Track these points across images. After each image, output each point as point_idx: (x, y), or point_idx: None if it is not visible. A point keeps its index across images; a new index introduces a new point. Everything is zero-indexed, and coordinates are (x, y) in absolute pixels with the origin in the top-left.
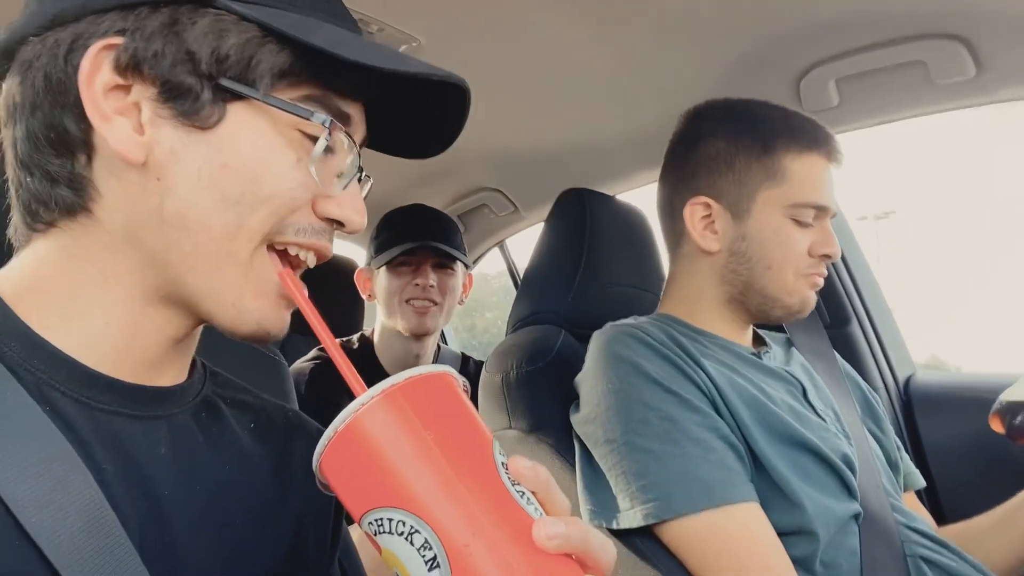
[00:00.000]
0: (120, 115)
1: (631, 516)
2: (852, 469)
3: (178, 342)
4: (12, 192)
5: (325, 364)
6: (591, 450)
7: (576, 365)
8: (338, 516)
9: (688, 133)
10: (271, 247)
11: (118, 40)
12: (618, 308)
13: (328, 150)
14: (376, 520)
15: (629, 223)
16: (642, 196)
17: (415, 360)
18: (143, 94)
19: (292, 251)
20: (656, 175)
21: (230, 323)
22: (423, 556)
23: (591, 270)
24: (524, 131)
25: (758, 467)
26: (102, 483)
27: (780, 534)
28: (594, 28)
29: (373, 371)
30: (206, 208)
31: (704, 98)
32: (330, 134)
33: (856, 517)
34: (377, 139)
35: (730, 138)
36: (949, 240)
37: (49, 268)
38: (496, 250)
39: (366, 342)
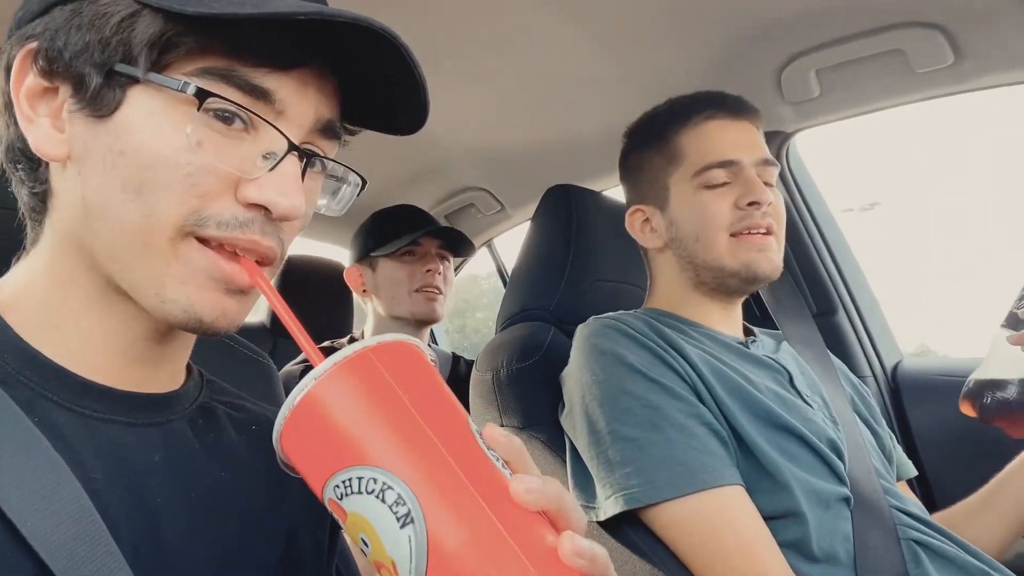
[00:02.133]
0: (48, 116)
1: (615, 502)
2: (839, 454)
3: (158, 341)
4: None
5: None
6: (575, 443)
7: (565, 361)
8: (335, 523)
9: (620, 159)
10: (201, 240)
11: (34, 44)
12: (606, 303)
13: (235, 124)
14: (344, 481)
15: (616, 219)
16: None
17: None
18: (65, 93)
19: (225, 246)
20: None
21: (155, 311)
22: (395, 513)
23: (578, 266)
24: (508, 129)
25: (744, 451)
26: (93, 491)
27: (769, 518)
28: (576, 24)
29: None
30: (115, 198)
31: (686, 91)
32: (200, 104)
33: (847, 501)
34: (358, 116)
35: (636, 147)
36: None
37: (33, 274)
38: (485, 251)
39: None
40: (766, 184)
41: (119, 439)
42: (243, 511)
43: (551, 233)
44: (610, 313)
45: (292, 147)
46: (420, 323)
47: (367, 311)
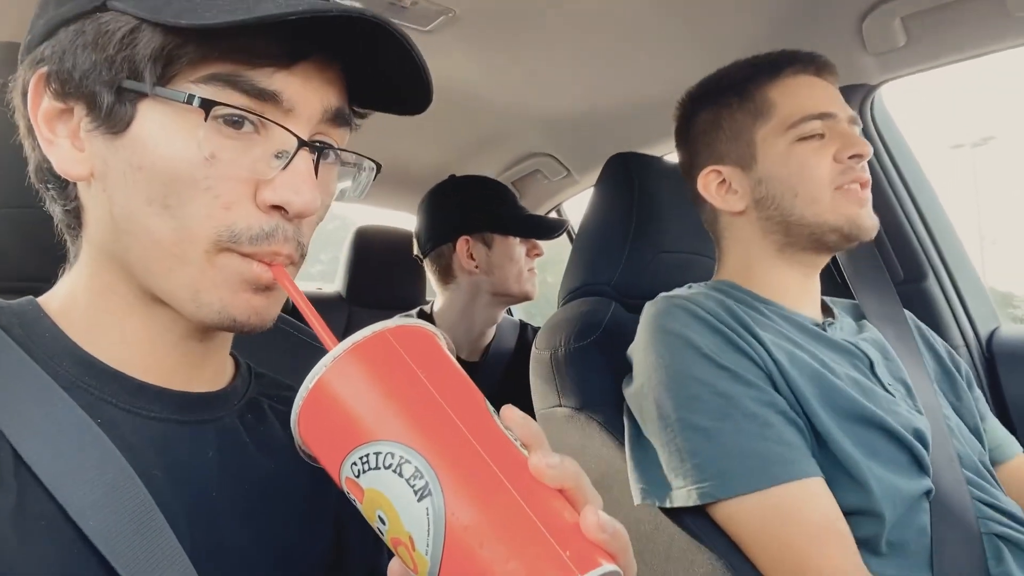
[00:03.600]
0: (68, 137)
1: (685, 495)
2: (924, 443)
3: (200, 340)
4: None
5: None
6: (642, 426)
7: (627, 338)
8: None
9: (681, 123)
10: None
11: (44, 68)
12: (672, 276)
13: (244, 127)
14: (361, 458)
15: (680, 185)
16: None
17: (489, 330)
18: (80, 113)
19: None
20: None
21: (192, 316)
22: (413, 487)
23: (641, 237)
24: (572, 93)
25: (820, 444)
26: (152, 487)
27: (844, 514)
28: None
29: None
30: (141, 212)
31: (757, 47)
32: (207, 114)
33: (927, 494)
34: (365, 99)
35: (710, 106)
36: None
37: (77, 285)
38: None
39: (425, 317)
40: None
41: (174, 437)
42: (293, 502)
43: (611, 204)
44: (679, 291)
45: (302, 143)
46: (520, 301)
47: (446, 287)
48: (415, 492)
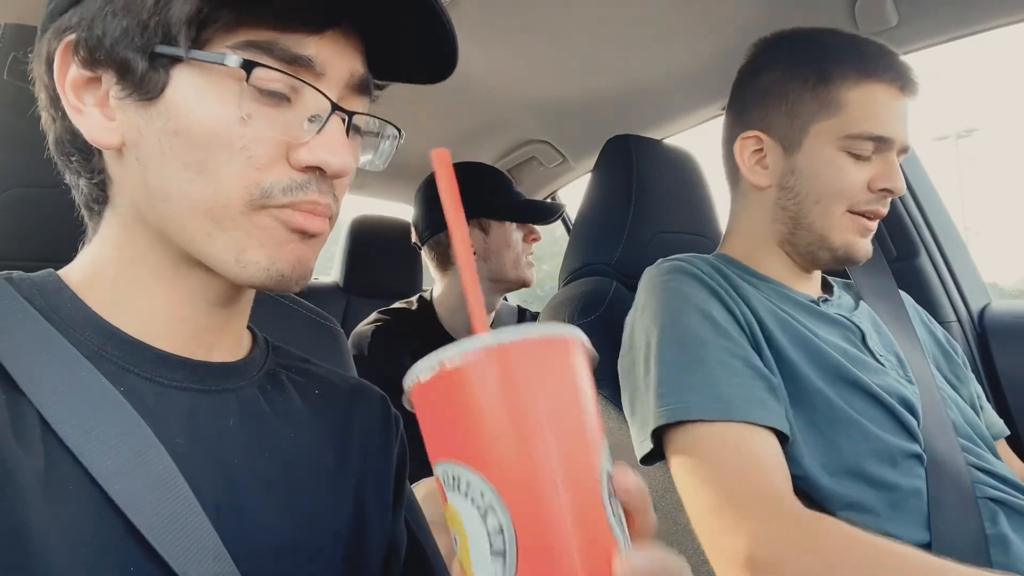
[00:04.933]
0: (96, 106)
1: (652, 420)
2: (913, 411)
3: (224, 305)
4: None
5: (386, 326)
6: (623, 383)
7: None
8: (400, 476)
9: (748, 66)
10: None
11: (72, 36)
12: (670, 255)
13: (279, 95)
14: (454, 476)
15: (678, 167)
16: (693, 138)
17: (487, 316)
18: (109, 80)
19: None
20: (709, 113)
21: (236, 277)
22: (491, 540)
23: (640, 218)
24: (568, 78)
25: (809, 402)
26: (175, 455)
27: (834, 475)
28: None
29: (434, 334)
30: (177, 178)
31: (753, 29)
32: (248, 75)
33: (919, 459)
34: (385, 70)
35: (786, 69)
36: None
37: (101, 257)
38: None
39: (425, 304)
40: None
41: (196, 405)
42: (312, 470)
43: (611, 186)
44: (679, 255)
45: (335, 107)
46: (518, 287)
47: (444, 274)
48: (491, 546)
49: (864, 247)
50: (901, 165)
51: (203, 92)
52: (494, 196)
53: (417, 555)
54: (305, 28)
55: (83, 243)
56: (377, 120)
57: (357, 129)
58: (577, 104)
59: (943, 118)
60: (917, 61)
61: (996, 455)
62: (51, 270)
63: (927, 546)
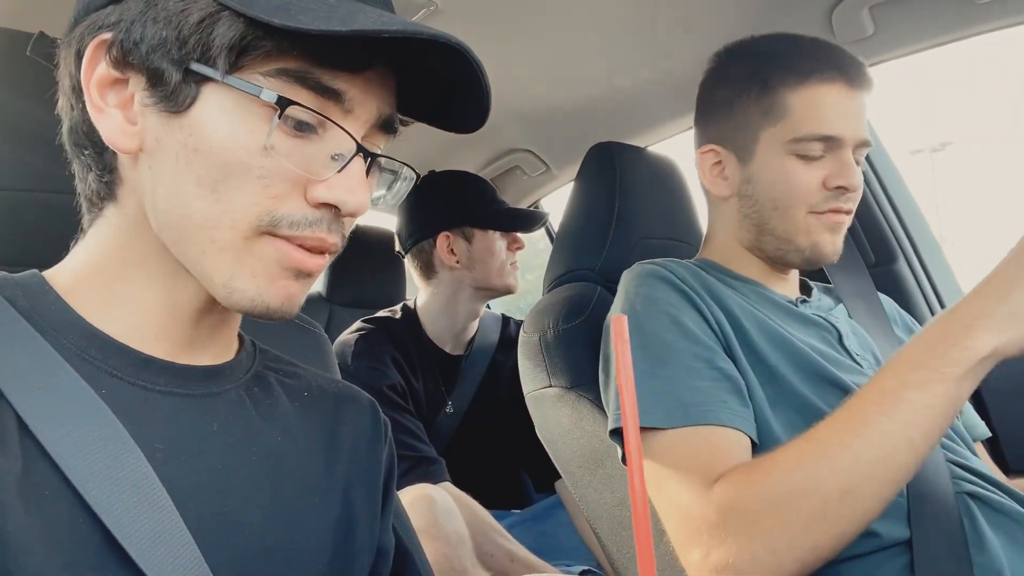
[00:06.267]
0: (119, 108)
1: (612, 422)
2: None
3: (214, 315)
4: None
5: (369, 334)
6: (602, 385)
7: None
8: (388, 482)
9: (704, 82)
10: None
11: (108, 35)
12: None
13: (307, 128)
14: None
15: (661, 174)
16: (676, 146)
17: (472, 324)
18: (137, 85)
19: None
20: (690, 121)
21: (223, 300)
22: None
23: (624, 225)
24: (550, 87)
25: (787, 400)
26: (155, 460)
27: None
28: None
29: (418, 342)
30: (187, 194)
31: (734, 36)
32: (282, 112)
33: None
34: (414, 109)
35: (732, 82)
36: (1014, 168)
37: (97, 255)
38: None
39: (409, 312)
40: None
41: (179, 410)
42: (300, 473)
43: (594, 193)
44: (658, 259)
45: (360, 149)
46: (502, 294)
47: (428, 283)
48: None
49: (832, 244)
50: (877, 173)
51: (231, 115)
52: (478, 205)
53: (404, 561)
54: (342, 67)
55: (75, 241)
56: (399, 162)
57: (377, 166)
58: (560, 113)
59: (919, 132)
60: (894, 74)
61: (973, 452)
62: (35, 271)
63: (907, 542)
